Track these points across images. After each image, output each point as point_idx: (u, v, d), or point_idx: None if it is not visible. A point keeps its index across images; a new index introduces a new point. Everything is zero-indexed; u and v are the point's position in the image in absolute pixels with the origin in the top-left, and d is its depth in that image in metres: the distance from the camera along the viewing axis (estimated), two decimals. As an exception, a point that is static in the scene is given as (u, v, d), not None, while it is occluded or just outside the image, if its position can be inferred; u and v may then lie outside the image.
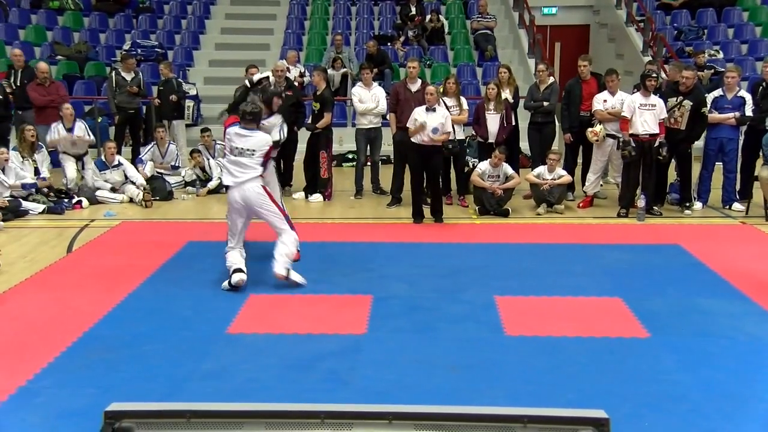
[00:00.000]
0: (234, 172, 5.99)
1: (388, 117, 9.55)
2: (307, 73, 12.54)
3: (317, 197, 9.57)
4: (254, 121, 6.09)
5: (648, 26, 14.59)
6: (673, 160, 8.87)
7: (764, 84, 9.01)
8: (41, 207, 8.84)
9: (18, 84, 10.42)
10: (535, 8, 16.12)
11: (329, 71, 12.19)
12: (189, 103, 12.66)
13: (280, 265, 5.91)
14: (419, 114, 8.17)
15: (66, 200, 9.24)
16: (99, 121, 11.97)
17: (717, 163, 9.07)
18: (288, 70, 10.65)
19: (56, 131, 9.56)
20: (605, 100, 8.97)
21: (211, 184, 10.03)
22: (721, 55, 13.93)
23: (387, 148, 10.36)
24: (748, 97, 8.83)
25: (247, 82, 7.07)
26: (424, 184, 8.59)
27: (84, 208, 9.20)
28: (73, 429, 3.74)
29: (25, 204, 8.80)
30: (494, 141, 9.03)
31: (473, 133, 9.60)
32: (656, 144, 8.41)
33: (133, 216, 8.86)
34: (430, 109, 8.16)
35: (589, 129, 9.01)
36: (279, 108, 6.75)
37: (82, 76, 13.74)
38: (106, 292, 5.87)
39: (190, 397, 4.06)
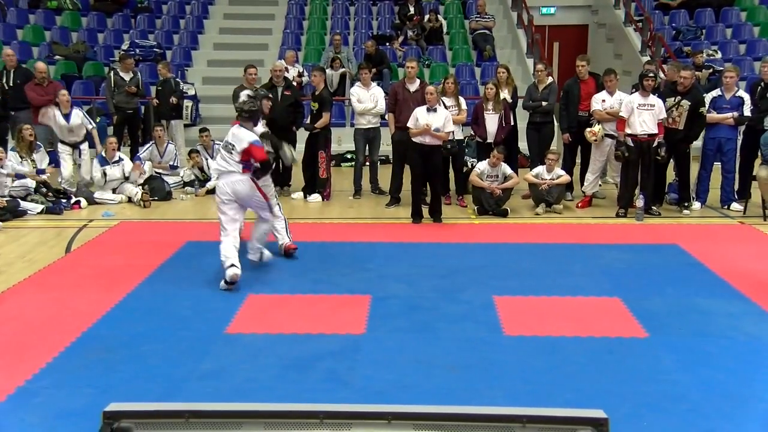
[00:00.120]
0: (221, 162, 6.19)
1: (386, 117, 9.55)
2: (305, 73, 12.55)
3: (316, 197, 9.57)
4: (251, 119, 6.20)
5: (646, 26, 14.60)
6: (671, 160, 8.88)
7: (763, 84, 9.02)
8: (39, 207, 8.83)
9: (11, 84, 10.38)
10: (534, 8, 16.12)
11: (327, 71, 12.19)
12: (187, 103, 12.66)
13: (254, 254, 6.44)
14: (421, 115, 8.16)
15: (64, 200, 9.23)
16: (97, 121, 11.95)
17: (715, 163, 9.07)
18: (286, 70, 10.65)
19: (53, 116, 9.50)
20: (604, 100, 8.97)
21: (210, 184, 10.00)
22: (719, 55, 13.94)
23: (386, 148, 10.37)
24: (747, 97, 8.83)
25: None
26: (424, 184, 8.59)
27: (82, 208, 9.19)
28: (71, 429, 3.74)
29: (24, 204, 8.79)
30: (493, 141, 9.03)
31: (472, 133, 9.60)
32: (655, 144, 8.42)
33: (132, 216, 8.85)
34: (431, 109, 8.16)
35: (588, 129, 9.01)
36: (270, 109, 6.77)
37: (80, 76, 13.72)
38: (104, 292, 5.86)
39: (189, 397, 4.06)
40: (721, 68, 11.56)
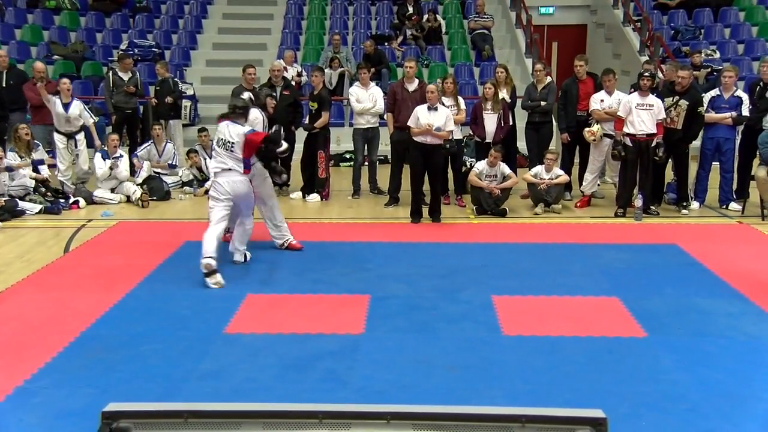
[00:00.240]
0: (220, 160, 6.34)
1: (385, 117, 9.55)
2: (304, 73, 12.54)
3: (315, 197, 9.57)
4: (243, 115, 6.43)
5: (645, 26, 14.61)
6: (670, 159, 8.89)
7: (762, 84, 9.02)
8: (38, 207, 8.83)
9: (3, 85, 10.36)
10: (533, 8, 16.12)
11: (326, 71, 12.19)
12: (186, 102, 12.65)
13: (240, 255, 6.66)
14: (422, 114, 8.15)
15: (63, 200, 9.23)
16: (96, 120, 11.94)
17: (714, 162, 9.08)
18: (285, 69, 10.65)
19: (54, 103, 9.47)
20: (602, 100, 8.98)
21: (209, 184, 9.98)
22: (717, 55, 13.96)
23: (384, 147, 10.37)
24: (745, 97, 8.84)
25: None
26: (424, 184, 8.59)
27: (81, 208, 9.18)
28: (70, 429, 3.73)
29: (22, 204, 8.79)
30: (491, 141, 9.03)
31: (471, 132, 9.60)
32: (653, 144, 8.43)
33: (130, 216, 8.85)
34: (432, 108, 8.15)
35: (587, 129, 9.02)
36: (274, 108, 6.92)
37: (78, 76, 13.71)
38: (103, 292, 5.86)
39: (188, 397, 4.06)
40: (720, 68, 11.57)
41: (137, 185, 9.61)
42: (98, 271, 6.47)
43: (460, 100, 9.41)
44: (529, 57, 14.39)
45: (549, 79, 9.73)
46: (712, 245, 7.36)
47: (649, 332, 5.05)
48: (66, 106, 9.52)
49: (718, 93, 8.89)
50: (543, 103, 9.45)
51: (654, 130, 8.38)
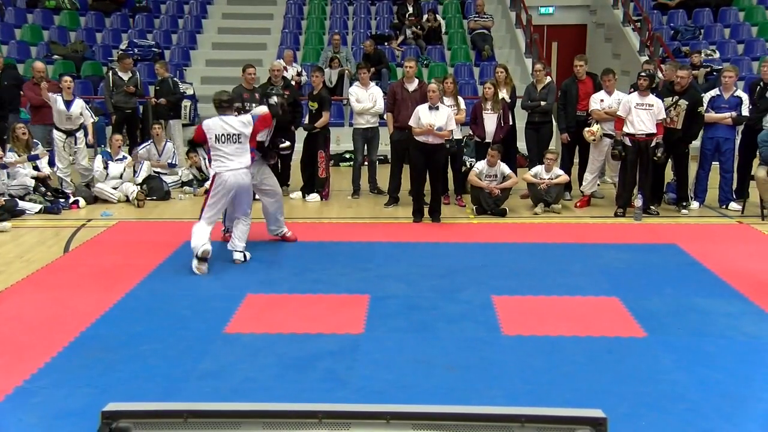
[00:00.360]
0: (226, 160, 6.52)
1: (385, 117, 9.55)
2: (304, 73, 12.54)
3: (315, 197, 9.57)
4: (229, 108, 6.62)
5: (645, 26, 14.61)
6: (670, 159, 8.89)
7: (762, 84, 9.02)
8: (38, 207, 8.83)
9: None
10: (532, 8, 16.13)
11: (326, 70, 12.19)
12: (186, 102, 12.62)
13: (240, 254, 6.68)
14: (423, 113, 8.14)
15: (62, 200, 9.22)
16: (96, 120, 11.94)
17: (714, 162, 9.08)
18: (285, 69, 10.65)
19: (55, 100, 9.49)
20: (602, 100, 8.98)
21: (208, 184, 9.99)
22: (717, 55, 13.96)
23: (384, 147, 10.36)
24: (745, 97, 8.84)
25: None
26: (425, 183, 8.58)
27: (81, 208, 9.18)
28: (70, 429, 3.73)
29: (22, 204, 8.78)
30: (491, 141, 9.03)
31: (470, 132, 9.60)
32: (653, 144, 8.43)
33: (130, 216, 8.85)
34: (433, 107, 8.15)
35: (586, 129, 9.02)
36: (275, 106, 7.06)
37: (78, 75, 13.69)
38: (103, 292, 5.86)
39: (188, 397, 4.06)
40: (719, 68, 11.57)
41: (136, 185, 9.60)
42: (98, 271, 6.48)
43: (460, 100, 9.41)
44: (528, 57, 14.39)
45: (549, 79, 9.73)
46: (711, 245, 7.36)
47: (648, 332, 5.05)
48: (68, 104, 9.53)
49: (718, 93, 8.89)
50: (543, 103, 9.45)
51: (654, 130, 8.38)
